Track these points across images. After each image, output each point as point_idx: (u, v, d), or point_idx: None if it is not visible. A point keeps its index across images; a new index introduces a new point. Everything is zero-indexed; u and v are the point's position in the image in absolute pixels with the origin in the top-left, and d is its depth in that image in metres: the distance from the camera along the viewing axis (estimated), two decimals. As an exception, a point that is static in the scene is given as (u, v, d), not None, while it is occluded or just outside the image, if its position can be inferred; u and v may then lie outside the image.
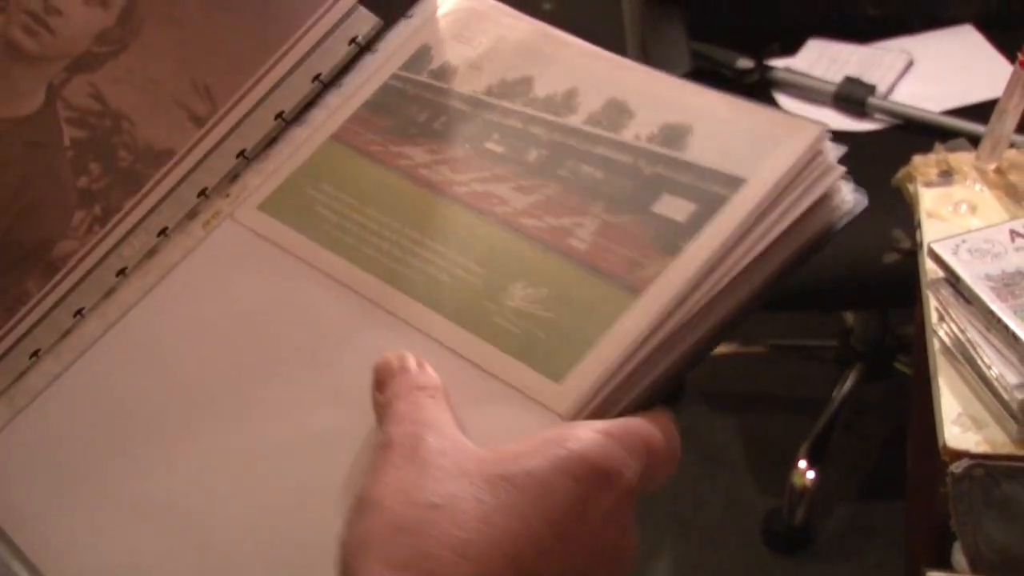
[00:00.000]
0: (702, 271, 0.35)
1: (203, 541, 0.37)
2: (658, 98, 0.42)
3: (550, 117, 0.43)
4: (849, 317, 1.57)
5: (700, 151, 0.39)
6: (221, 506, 0.37)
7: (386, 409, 0.34)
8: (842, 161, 0.38)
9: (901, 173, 0.89)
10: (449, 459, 0.31)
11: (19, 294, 0.44)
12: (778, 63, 1.43)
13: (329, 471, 0.36)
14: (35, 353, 0.43)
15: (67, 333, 0.44)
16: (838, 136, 0.38)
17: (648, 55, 1.51)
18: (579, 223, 0.39)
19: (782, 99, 1.39)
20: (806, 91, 1.38)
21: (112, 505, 0.39)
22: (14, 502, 0.40)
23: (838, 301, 1.36)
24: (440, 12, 0.49)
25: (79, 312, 0.44)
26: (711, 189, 0.37)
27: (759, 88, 1.42)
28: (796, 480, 1.42)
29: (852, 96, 1.32)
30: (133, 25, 0.48)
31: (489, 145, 0.43)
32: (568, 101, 0.43)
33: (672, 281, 0.36)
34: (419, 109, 0.46)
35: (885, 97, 1.33)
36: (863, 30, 1.44)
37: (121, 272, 0.45)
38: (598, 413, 0.34)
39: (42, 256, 0.44)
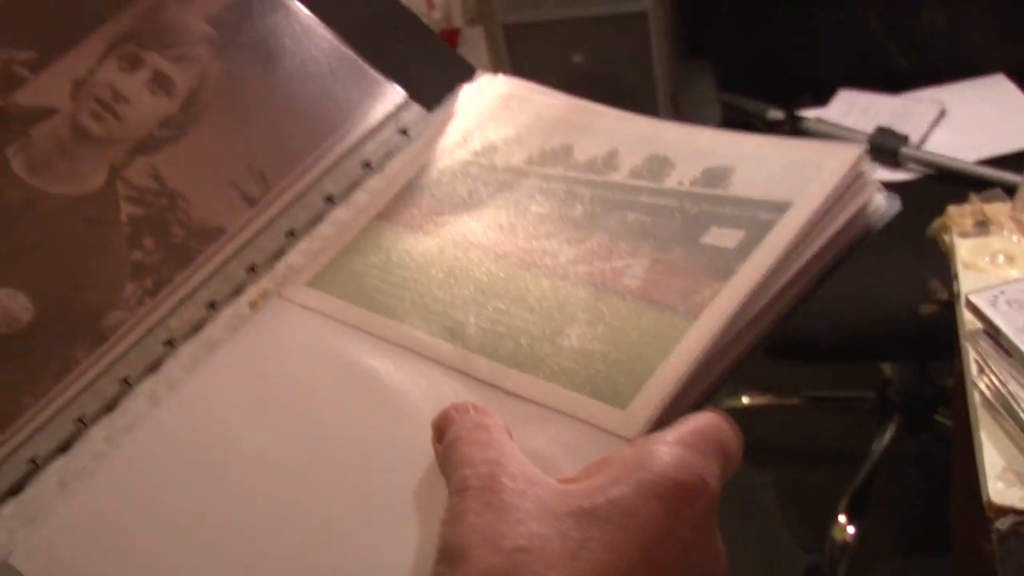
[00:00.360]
0: (756, 290, 0.36)
1: None
2: (697, 147, 0.43)
3: (592, 176, 0.44)
4: (887, 368, 1.55)
5: (743, 186, 0.40)
6: None
7: (449, 454, 0.33)
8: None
9: (936, 223, 0.88)
10: (529, 498, 0.30)
11: (67, 361, 0.45)
12: (809, 113, 1.43)
13: (403, 529, 0.35)
14: (80, 419, 0.44)
15: (113, 403, 0.44)
16: None
17: (678, 106, 1.52)
18: (630, 264, 0.39)
19: (814, 150, 1.40)
20: (837, 141, 1.38)
21: None
22: None
23: (875, 352, 1.34)
24: (477, 97, 0.51)
25: (125, 380, 0.45)
26: (758, 216, 0.38)
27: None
28: (836, 534, 1.40)
29: (885, 146, 1.32)
30: (195, 112, 0.50)
31: (534, 207, 0.44)
32: (609, 161, 0.44)
33: (727, 302, 0.36)
34: (463, 184, 0.47)
35: (918, 147, 1.32)
36: (894, 80, 1.44)
37: (168, 343, 0.46)
38: (659, 428, 0.34)
39: (92, 325, 0.45)
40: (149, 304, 0.46)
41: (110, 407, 0.44)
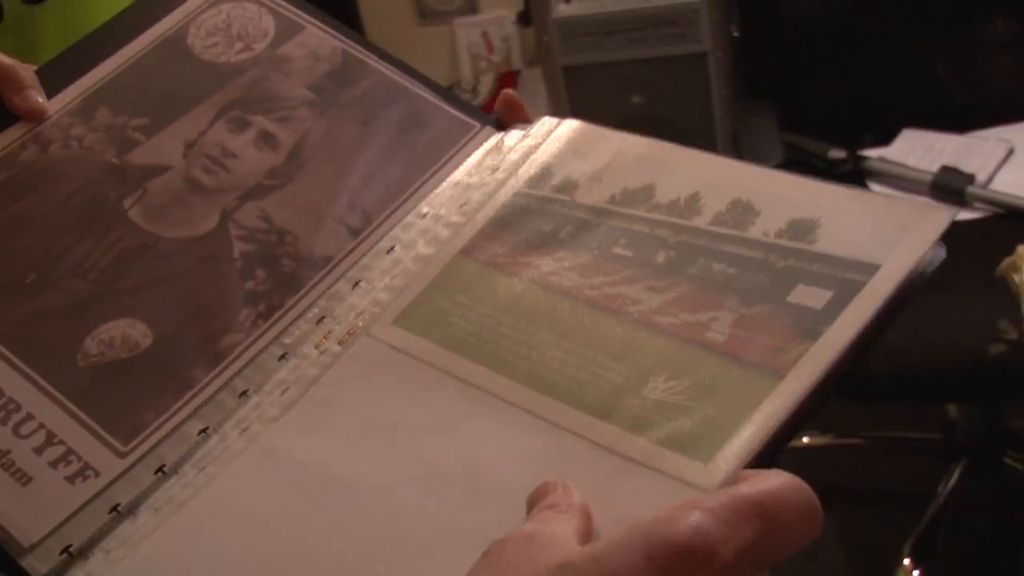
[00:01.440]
0: (844, 353, 0.36)
1: None
2: (782, 196, 0.43)
3: (676, 220, 0.44)
4: (953, 409, 1.53)
5: (830, 242, 0.40)
6: None
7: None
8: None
9: (1005, 263, 0.88)
10: (527, 557, 0.30)
11: (187, 379, 0.47)
12: (872, 153, 1.43)
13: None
14: (204, 431, 0.46)
15: (230, 413, 0.47)
16: None
17: (739, 146, 1.53)
18: (715, 317, 0.40)
19: (876, 189, 1.39)
20: (901, 181, 1.38)
21: None
22: None
23: (941, 393, 1.33)
24: (556, 132, 0.52)
25: (244, 394, 0.47)
26: (846, 276, 0.38)
27: (852, 178, 1.42)
28: (901, 579, 1.37)
29: (950, 185, 1.31)
30: (299, 162, 0.54)
31: (616, 250, 0.44)
32: (692, 204, 0.44)
33: (815, 364, 0.36)
34: (544, 222, 0.48)
35: (985, 186, 1.31)
36: (957, 120, 1.44)
37: (283, 358, 0.48)
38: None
39: (210, 347, 0.48)
40: (263, 326, 0.49)
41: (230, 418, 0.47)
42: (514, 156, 0.52)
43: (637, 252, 0.44)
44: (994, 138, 1.39)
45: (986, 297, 1.09)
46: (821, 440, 1.58)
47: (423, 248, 0.50)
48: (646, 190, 0.46)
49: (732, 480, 0.33)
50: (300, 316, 0.49)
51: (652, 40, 1.76)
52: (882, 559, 1.40)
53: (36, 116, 0.56)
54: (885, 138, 1.46)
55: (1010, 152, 1.36)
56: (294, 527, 0.40)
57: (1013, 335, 1.09)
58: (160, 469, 0.45)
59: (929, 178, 1.34)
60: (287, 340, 0.48)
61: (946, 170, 1.34)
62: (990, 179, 1.33)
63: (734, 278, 0.41)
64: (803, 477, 0.33)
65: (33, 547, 0.42)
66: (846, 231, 0.40)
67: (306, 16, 0.61)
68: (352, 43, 0.59)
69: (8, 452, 0.45)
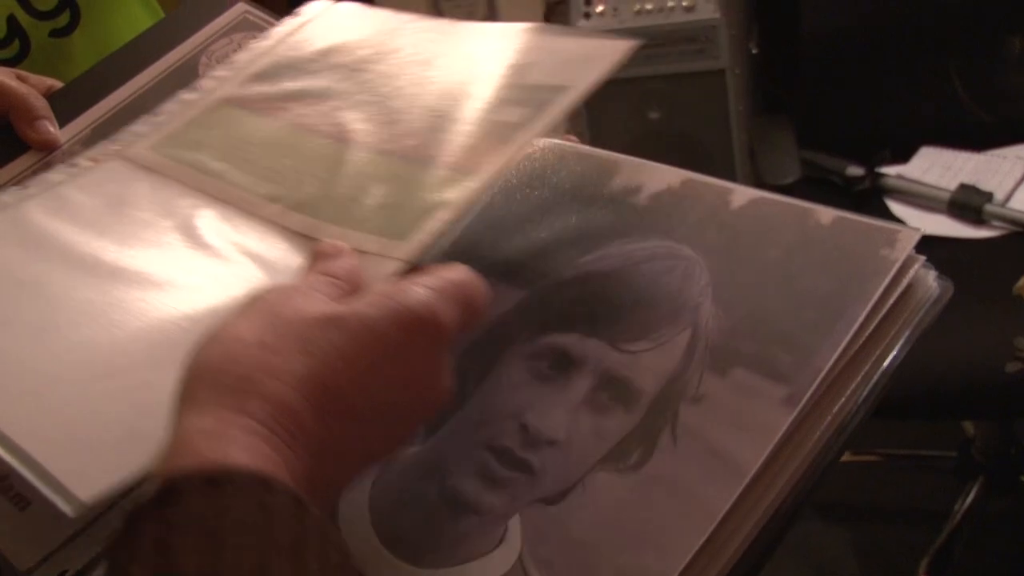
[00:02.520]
0: (521, 146, 0.46)
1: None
2: (508, 48, 0.52)
3: (411, 72, 0.53)
4: (969, 427, 1.53)
5: (539, 75, 0.49)
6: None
7: None
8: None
9: (1022, 281, 0.88)
10: (292, 309, 0.36)
11: None
12: (889, 170, 1.44)
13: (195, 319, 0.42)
14: None
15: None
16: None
17: (757, 162, 1.53)
18: (430, 139, 0.48)
19: (894, 206, 1.40)
20: (919, 198, 1.38)
21: None
22: None
23: (958, 411, 1.33)
24: (326, 11, 0.60)
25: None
26: (540, 96, 0.47)
27: (870, 195, 1.42)
28: (917, 597, 1.37)
29: (968, 203, 1.32)
30: None
31: (359, 97, 0.53)
32: (426, 62, 0.53)
33: (497, 161, 0.45)
34: (301, 76, 0.56)
35: (1003, 204, 1.31)
36: (976, 138, 1.44)
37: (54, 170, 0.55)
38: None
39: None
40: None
41: None
42: (281, 27, 0.61)
43: (375, 97, 0.52)
44: (1012, 156, 1.39)
45: (1003, 315, 1.09)
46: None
47: (185, 95, 0.57)
48: (393, 52, 0.55)
49: (422, 252, 0.43)
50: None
51: (671, 56, 1.77)
52: (897, 577, 1.40)
53: (48, 147, 0.57)
54: (903, 155, 1.46)
55: (1029, 170, 1.36)
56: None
57: (1031, 353, 1.09)
58: None
59: (947, 196, 1.34)
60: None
61: (964, 188, 1.34)
62: (1008, 197, 1.33)
63: (451, 109, 0.49)
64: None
65: (30, 571, 0.42)
66: (546, 65, 0.49)
67: None
68: None
69: (7, 477, 0.44)
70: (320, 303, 0.36)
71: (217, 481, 0.29)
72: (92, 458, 0.38)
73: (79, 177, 0.53)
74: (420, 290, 0.37)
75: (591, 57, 0.48)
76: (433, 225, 0.44)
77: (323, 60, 0.56)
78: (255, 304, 0.36)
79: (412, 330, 0.35)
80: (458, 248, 0.49)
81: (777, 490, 0.36)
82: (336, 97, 0.53)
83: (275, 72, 0.57)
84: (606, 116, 1.85)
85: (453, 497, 0.40)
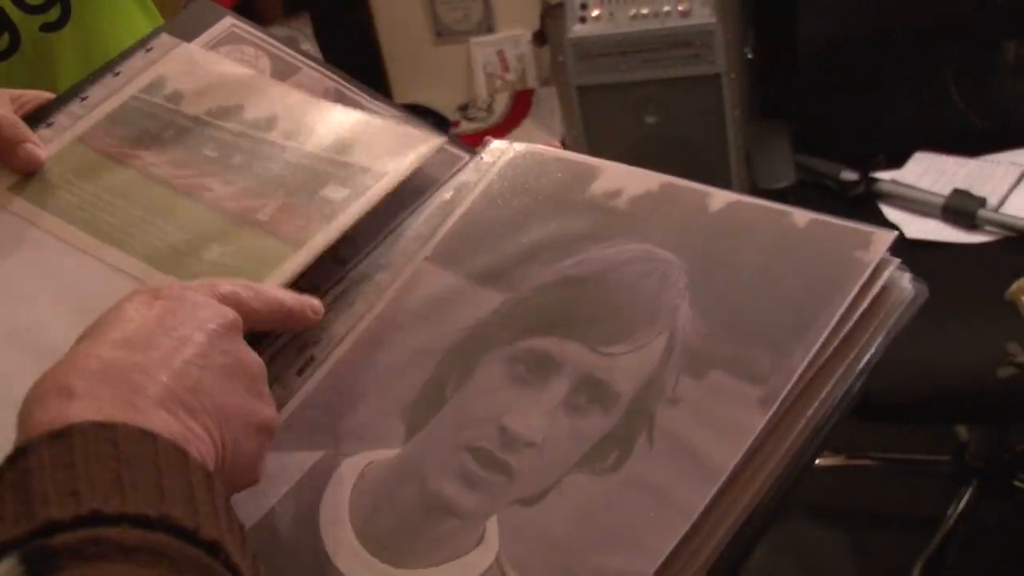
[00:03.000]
0: (341, 226, 0.51)
1: None
2: (334, 121, 0.57)
3: (254, 133, 0.57)
4: (962, 431, 1.53)
5: (360, 155, 0.54)
6: None
7: None
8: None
9: (1014, 286, 0.88)
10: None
11: None
12: (884, 175, 1.44)
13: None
14: None
15: None
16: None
17: (752, 166, 1.54)
18: (265, 204, 0.53)
19: (888, 211, 1.40)
20: (913, 203, 1.38)
21: None
22: None
23: (951, 415, 1.33)
24: (175, 52, 0.63)
25: None
26: (363, 180, 0.53)
27: (864, 200, 1.43)
28: (910, 602, 1.37)
29: (962, 208, 1.32)
30: None
31: (206, 152, 0.57)
32: (269, 123, 0.58)
33: (323, 238, 0.50)
34: (152, 123, 0.58)
35: (996, 210, 1.32)
36: (971, 144, 1.44)
37: None
38: None
39: None
40: None
41: None
42: (137, 63, 0.63)
43: (220, 154, 0.56)
44: (1006, 162, 1.39)
45: (996, 320, 1.09)
46: (831, 461, 1.58)
47: (43, 130, 0.59)
48: (237, 108, 0.58)
49: None
50: None
51: (667, 61, 1.78)
52: (891, 581, 1.40)
53: (33, 168, 0.57)
54: (897, 160, 1.46)
55: (1022, 176, 1.37)
56: None
57: (1022, 358, 1.09)
58: None
59: (941, 201, 1.34)
60: None
61: (958, 193, 1.34)
62: (1001, 203, 1.33)
63: (285, 177, 0.54)
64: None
65: None
66: (373, 148, 0.54)
67: (300, 59, 0.64)
68: (345, 83, 0.63)
69: None
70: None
71: (63, 433, 0.31)
72: None
73: None
74: (229, 285, 0.43)
75: (405, 147, 0.55)
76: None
77: (173, 107, 0.60)
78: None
79: (158, 297, 0.39)
80: (439, 253, 0.49)
81: (754, 490, 0.36)
82: (183, 147, 0.57)
83: (127, 115, 0.60)
84: (602, 120, 1.86)
85: (433, 499, 0.40)
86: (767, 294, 0.40)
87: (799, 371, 0.37)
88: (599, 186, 0.48)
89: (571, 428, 0.40)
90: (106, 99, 0.61)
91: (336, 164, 0.54)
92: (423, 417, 0.43)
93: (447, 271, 0.49)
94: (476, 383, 0.43)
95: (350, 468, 0.43)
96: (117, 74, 0.62)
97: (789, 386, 0.37)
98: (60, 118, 0.60)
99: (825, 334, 0.37)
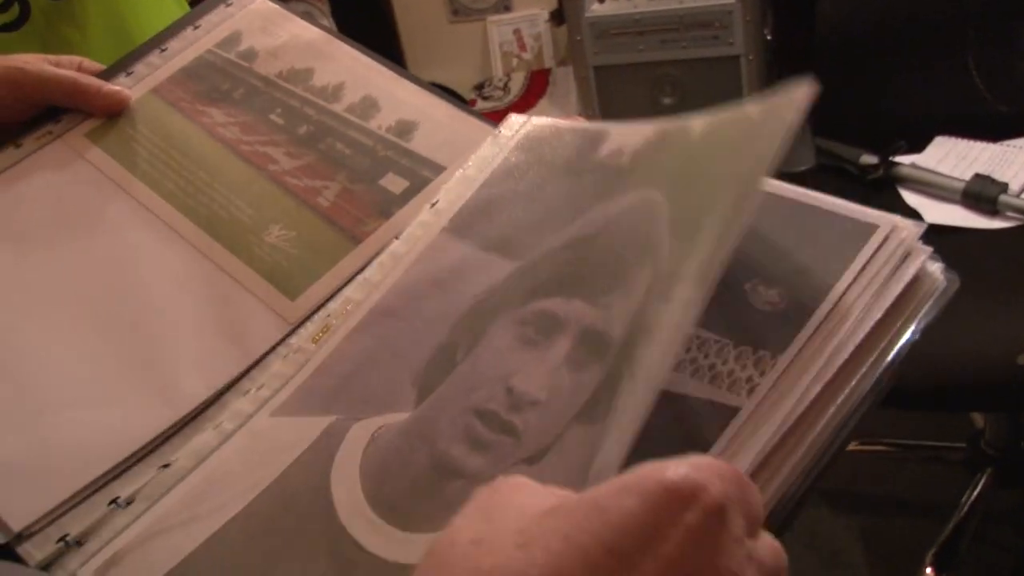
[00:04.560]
0: (397, 223, 0.50)
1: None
2: (401, 98, 0.56)
3: (320, 102, 0.56)
4: (978, 418, 1.52)
5: (420, 143, 0.54)
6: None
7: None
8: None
9: (1036, 273, 0.87)
10: (514, 503, 0.30)
11: None
12: (904, 160, 1.42)
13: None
14: None
15: None
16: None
17: (770, 150, 1.52)
18: (327, 186, 0.53)
19: (908, 196, 1.38)
20: (933, 188, 1.37)
21: None
22: None
23: (968, 402, 1.32)
24: (251, 6, 0.62)
25: None
26: (422, 172, 0.52)
27: (884, 184, 1.41)
28: (923, 588, 1.37)
29: (983, 194, 1.30)
30: None
31: (272, 117, 0.56)
32: (336, 92, 0.57)
33: (383, 235, 0.50)
34: (224, 80, 0.59)
35: (1018, 195, 1.30)
36: (993, 128, 1.43)
37: None
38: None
39: None
40: None
41: None
42: (215, 17, 0.62)
43: (287, 121, 0.56)
44: (1029, 147, 1.38)
45: (1016, 306, 1.08)
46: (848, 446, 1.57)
47: (122, 79, 0.60)
48: (307, 72, 0.58)
49: (308, 316, 0.48)
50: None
51: (685, 42, 1.76)
52: (904, 567, 1.40)
53: (119, 108, 0.59)
54: (918, 145, 1.45)
55: (1044, 161, 1.35)
56: None
57: (1043, 346, 1.08)
58: None
59: (961, 186, 1.33)
60: None
61: (979, 178, 1.33)
62: (1023, 188, 1.32)
63: (348, 158, 0.54)
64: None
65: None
66: (433, 136, 0.54)
67: (339, 36, 0.65)
68: (379, 62, 0.62)
69: None
70: (552, 495, 0.30)
71: None
72: (24, 489, 0.42)
73: (21, 164, 0.56)
74: (682, 465, 0.28)
75: (463, 138, 0.54)
76: (319, 291, 0.49)
77: (245, 65, 0.60)
78: (479, 502, 0.31)
79: (658, 500, 0.27)
80: (456, 225, 0.49)
81: (783, 477, 0.36)
82: (251, 110, 0.57)
83: (201, 69, 0.60)
84: (618, 101, 1.85)
85: (442, 462, 0.41)
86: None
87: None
88: (606, 147, 0.48)
89: (572, 383, 0.40)
90: (182, 51, 0.61)
91: (398, 151, 0.53)
92: (434, 382, 0.43)
93: (463, 242, 0.49)
94: (486, 347, 0.43)
95: (362, 430, 0.43)
96: (197, 27, 0.62)
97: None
98: (139, 67, 0.61)
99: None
